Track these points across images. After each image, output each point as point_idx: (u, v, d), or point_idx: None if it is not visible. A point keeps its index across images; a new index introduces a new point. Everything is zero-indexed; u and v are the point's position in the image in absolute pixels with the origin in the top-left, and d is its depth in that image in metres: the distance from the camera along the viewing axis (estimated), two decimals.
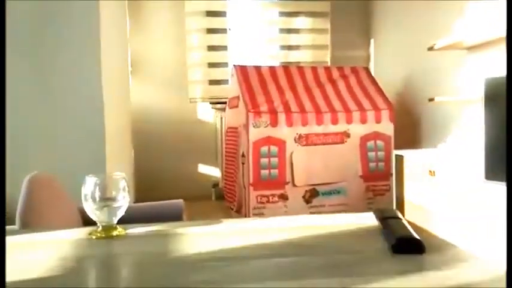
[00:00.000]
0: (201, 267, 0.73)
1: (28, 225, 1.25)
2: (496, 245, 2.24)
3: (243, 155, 3.58)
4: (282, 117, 3.51)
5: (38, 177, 1.39)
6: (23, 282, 0.68)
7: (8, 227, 1.18)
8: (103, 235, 0.91)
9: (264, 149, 3.48)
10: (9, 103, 2.48)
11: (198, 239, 0.90)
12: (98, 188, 0.90)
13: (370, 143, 3.72)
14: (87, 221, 1.00)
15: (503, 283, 0.63)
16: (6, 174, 2.12)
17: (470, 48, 3.19)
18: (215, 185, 4.72)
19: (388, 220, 0.87)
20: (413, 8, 3.99)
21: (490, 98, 2.33)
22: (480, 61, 3.11)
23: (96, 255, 0.82)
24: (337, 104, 3.70)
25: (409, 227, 0.83)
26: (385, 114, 3.74)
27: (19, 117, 2.53)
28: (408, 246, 0.77)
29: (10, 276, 0.69)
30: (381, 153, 3.74)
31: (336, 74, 3.95)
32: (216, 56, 4.83)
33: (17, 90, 2.52)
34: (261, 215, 3.48)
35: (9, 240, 0.92)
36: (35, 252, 0.84)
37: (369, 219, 0.97)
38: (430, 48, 3.31)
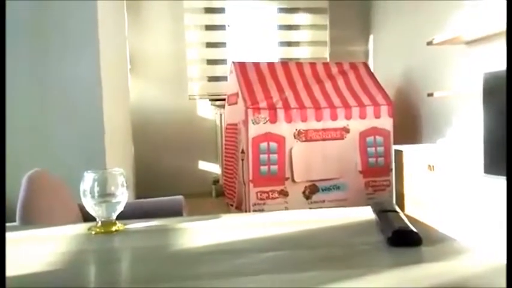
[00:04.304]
0: (201, 261, 0.73)
1: (28, 222, 1.25)
2: (495, 238, 2.24)
3: (242, 152, 3.58)
4: (281, 113, 3.52)
5: (38, 174, 1.40)
6: (23, 276, 0.68)
7: (8, 224, 1.19)
8: (102, 230, 0.91)
9: (264, 145, 3.48)
10: (9, 101, 2.48)
11: (198, 233, 0.91)
12: (96, 183, 0.90)
13: (370, 139, 3.73)
14: (87, 217, 1.01)
15: (501, 276, 0.64)
16: (7, 171, 2.13)
17: (469, 43, 3.19)
18: (215, 181, 4.72)
19: (385, 213, 0.87)
20: (412, 3, 3.99)
21: (488, 92, 2.33)
22: (479, 55, 3.11)
23: (96, 250, 0.82)
24: (336, 100, 3.70)
25: (405, 219, 0.83)
26: (384, 109, 3.74)
27: (19, 114, 2.53)
28: (405, 239, 0.77)
29: (10, 271, 0.70)
30: (380, 149, 3.75)
31: (334, 69, 3.95)
32: (215, 53, 4.83)
33: (15, 87, 2.52)
34: (261, 211, 3.49)
35: (10, 236, 0.92)
36: (35, 247, 0.84)
37: (366, 213, 0.98)
38: (429, 43, 3.31)
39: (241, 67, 3.76)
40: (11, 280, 0.66)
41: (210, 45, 4.83)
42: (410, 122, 4.06)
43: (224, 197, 4.22)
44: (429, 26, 3.69)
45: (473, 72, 3.15)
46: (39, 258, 0.76)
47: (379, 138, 3.74)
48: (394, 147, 3.53)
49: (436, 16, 3.61)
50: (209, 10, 4.82)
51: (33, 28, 2.54)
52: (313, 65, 3.96)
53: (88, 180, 0.91)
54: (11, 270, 0.70)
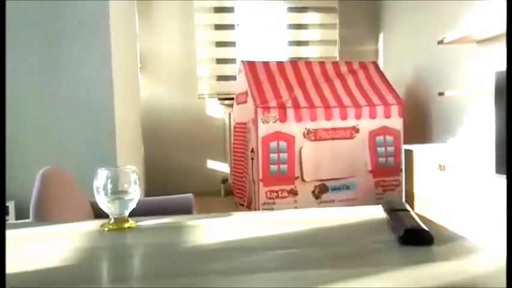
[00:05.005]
0: (213, 258, 0.74)
1: (42, 218, 1.27)
2: (506, 238, 2.22)
3: (252, 151, 3.59)
4: (290, 112, 3.52)
5: (51, 172, 1.42)
6: (37, 272, 0.69)
7: (22, 220, 1.21)
8: (115, 227, 0.92)
9: (273, 144, 3.48)
10: (20, 100, 2.51)
11: (209, 230, 0.91)
12: (109, 180, 0.91)
13: (380, 138, 3.71)
14: (99, 215, 1.02)
15: None
16: (20, 168, 2.16)
17: (480, 42, 3.16)
18: (224, 180, 4.73)
19: (396, 212, 0.87)
20: (423, 2, 3.96)
21: (500, 92, 2.31)
22: (490, 54, 3.08)
23: (109, 246, 0.83)
24: (346, 99, 3.69)
25: (417, 218, 0.83)
26: (394, 109, 3.72)
27: (30, 113, 2.56)
28: (416, 238, 0.77)
29: (24, 266, 0.71)
30: (390, 148, 3.73)
31: (344, 69, 3.94)
32: (224, 52, 4.84)
33: (27, 87, 2.55)
34: (270, 210, 3.49)
35: (23, 232, 0.94)
36: (48, 243, 0.86)
37: (376, 212, 0.98)
38: (440, 42, 3.29)
39: (250, 66, 3.76)
40: (24, 276, 0.68)
41: (219, 44, 4.84)
42: (420, 122, 4.04)
43: (233, 196, 4.23)
44: (439, 25, 3.66)
45: (485, 72, 3.12)
46: (53, 254, 0.78)
47: (389, 138, 3.73)
48: (404, 146, 3.51)
49: (446, 15, 3.58)
50: (219, 9, 4.83)
51: (45, 28, 2.57)
52: (322, 64, 3.96)
53: (101, 177, 0.92)
54: (23, 266, 0.71)
